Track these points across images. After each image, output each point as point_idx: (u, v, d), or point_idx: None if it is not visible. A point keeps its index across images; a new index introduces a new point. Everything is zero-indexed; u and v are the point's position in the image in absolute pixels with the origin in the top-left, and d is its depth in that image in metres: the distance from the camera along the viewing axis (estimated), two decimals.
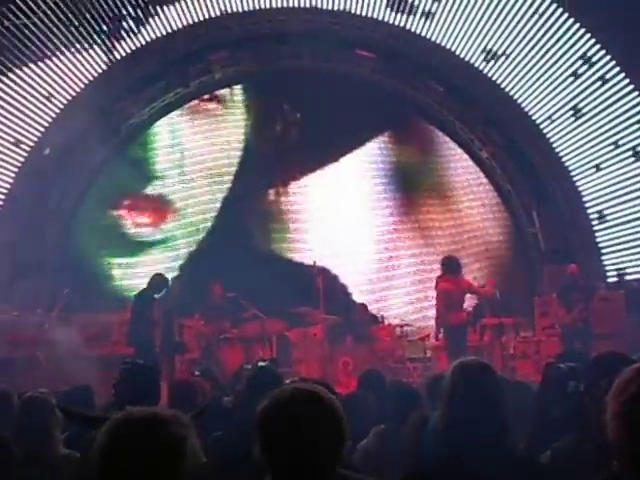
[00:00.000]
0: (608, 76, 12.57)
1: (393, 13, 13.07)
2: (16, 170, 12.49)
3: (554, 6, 12.38)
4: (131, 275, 14.03)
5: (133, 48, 12.87)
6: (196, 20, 13.00)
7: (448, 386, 2.78)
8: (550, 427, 3.36)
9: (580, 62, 12.64)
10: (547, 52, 12.76)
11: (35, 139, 12.61)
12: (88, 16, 12.00)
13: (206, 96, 14.70)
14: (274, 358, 10.39)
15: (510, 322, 11.70)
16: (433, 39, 13.27)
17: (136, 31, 12.63)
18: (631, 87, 12.50)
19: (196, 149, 14.69)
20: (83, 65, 12.60)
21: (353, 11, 13.24)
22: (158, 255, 14.31)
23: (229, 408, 5.01)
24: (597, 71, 12.61)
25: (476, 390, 2.71)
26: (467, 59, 13.34)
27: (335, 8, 13.27)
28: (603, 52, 12.48)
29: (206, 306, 11.98)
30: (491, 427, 2.65)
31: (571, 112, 13.04)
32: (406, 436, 3.71)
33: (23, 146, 12.52)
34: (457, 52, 13.31)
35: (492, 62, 13.17)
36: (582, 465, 2.81)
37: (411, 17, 13.03)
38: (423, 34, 13.26)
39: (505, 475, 2.57)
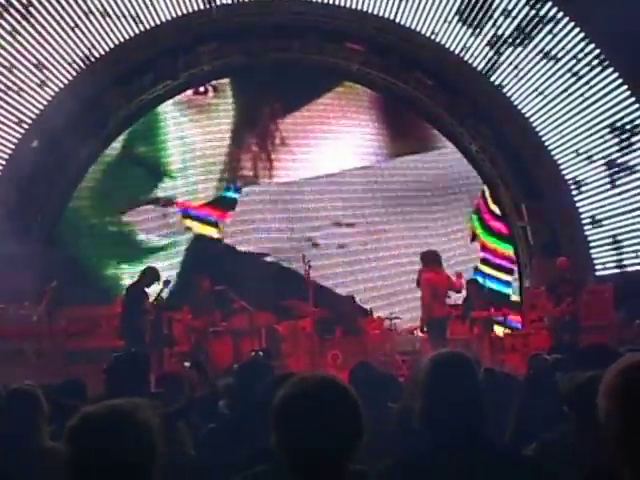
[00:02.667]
0: (598, 71, 12.60)
1: (383, 5, 13.07)
2: (2, 162, 12.42)
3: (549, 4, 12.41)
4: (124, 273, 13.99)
5: (121, 39, 12.80)
6: (185, 12, 12.94)
7: (423, 379, 2.76)
8: (536, 419, 3.36)
9: (571, 57, 12.67)
10: (537, 45, 12.78)
11: (22, 131, 12.53)
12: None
13: (202, 88, 14.65)
14: (266, 349, 10.41)
15: (499, 315, 11.73)
16: (423, 32, 13.26)
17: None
18: (619, 81, 12.53)
19: (191, 143, 14.64)
20: (71, 56, 12.53)
21: (343, 4, 13.21)
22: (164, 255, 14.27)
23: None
24: (586, 65, 12.63)
25: (451, 383, 2.69)
26: (457, 52, 13.34)
27: (325, 1, 13.24)
28: (591, 46, 12.51)
29: (194, 299, 11.97)
30: (468, 420, 2.64)
31: (561, 105, 13.07)
32: (388, 426, 3.69)
33: (10, 138, 12.44)
34: (447, 45, 13.31)
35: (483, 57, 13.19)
36: (568, 457, 2.81)
37: (401, 9, 13.02)
38: (413, 27, 13.24)
39: (484, 469, 2.56)
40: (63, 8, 12.04)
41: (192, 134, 14.64)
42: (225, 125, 14.70)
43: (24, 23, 11.85)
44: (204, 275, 12.02)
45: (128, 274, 13.75)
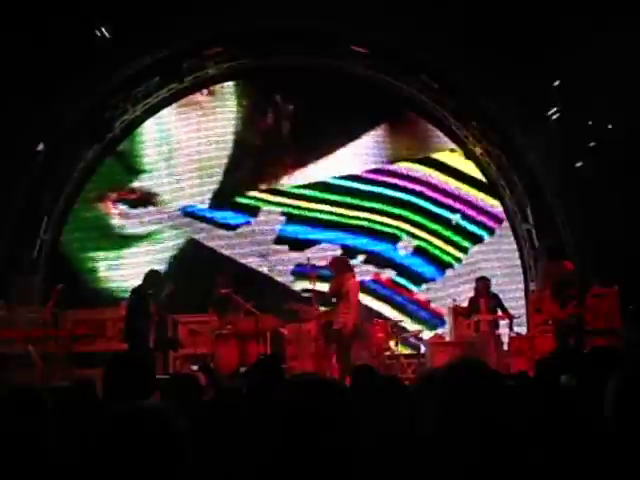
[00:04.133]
0: None
1: (389, 8, 13.06)
2: (9, 166, 12.45)
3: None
4: (118, 272, 14.02)
5: (127, 43, 12.81)
6: (190, 15, 12.95)
7: (438, 389, 2.73)
8: (542, 422, 3.34)
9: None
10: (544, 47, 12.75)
11: (29, 134, 12.56)
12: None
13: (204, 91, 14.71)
14: (276, 354, 10.40)
15: (504, 318, 11.70)
16: (429, 35, 13.25)
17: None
18: None
19: (187, 142, 14.66)
20: (77, 59, 12.55)
21: (349, 7, 13.21)
22: (145, 250, 14.28)
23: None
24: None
25: (470, 390, 2.66)
26: (462, 55, 13.33)
27: (331, 4, 13.24)
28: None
29: (214, 300, 12.00)
30: (488, 427, 2.62)
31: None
32: (393, 431, 3.66)
33: (16, 141, 12.47)
34: (452, 48, 13.29)
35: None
36: (577, 460, 2.80)
37: (407, 12, 13.02)
38: (419, 30, 13.23)
39: (501, 472, 2.55)
40: (70, 12, 12.05)
41: (181, 132, 14.67)
42: (225, 126, 14.71)
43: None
44: (220, 276, 12.08)
45: (111, 272, 13.90)
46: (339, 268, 10.87)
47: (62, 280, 11.96)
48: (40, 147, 12.81)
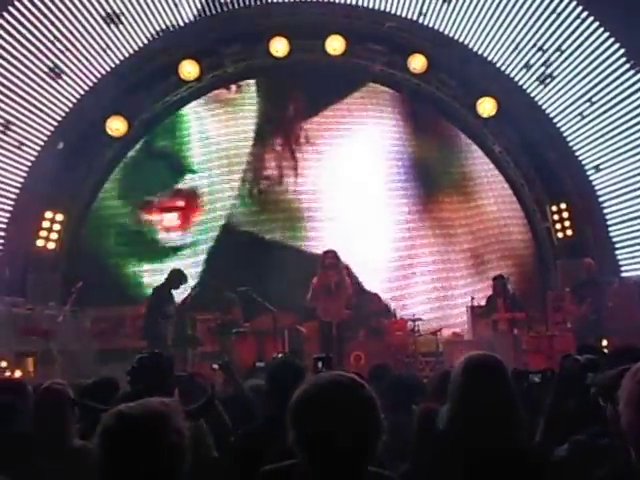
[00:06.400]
0: (621, 70, 12.49)
1: (406, 6, 13.07)
2: (29, 164, 12.54)
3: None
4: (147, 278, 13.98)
5: (145, 42, 12.89)
6: (208, 14, 13.00)
7: (456, 383, 2.72)
8: (566, 420, 3.33)
9: (593, 56, 12.57)
10: (560, 46, 12.69)
11: (49, 133, 12.65)
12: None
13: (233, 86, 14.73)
14: (294, 351, 10.41)
15: (523, 317, 11.61)
16: (446, 33, 13.24)
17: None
18: None
19: (214, 139, 14.66)
20: (96, 59, 12.65)
21: (366, 5, 13.22)
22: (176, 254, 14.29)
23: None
24: (610, 65, 12.53)
25: (485, 386, 2.65)
26: (480, 53, 13.30)
27: (348, 2, 13.26)
28: (617, 46, 12.40)
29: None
30: (502, 424, 2.61)
31: (585, 106, 12.97)
32: (408, 428, 3.65)
33: (36, 140, 12.57)
34: (470, 46, 13.27)
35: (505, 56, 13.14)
36: (600, 459, 2.78)
37: (424, 10, 13.03)
38: (436, 28, 13.23)
39: (516, 471, 2.54)
40: (87, 10, 12.14)
41: (213, 129, 14.65)
42: (248, 123, 14.70)
43: (50, 27, 11.95)
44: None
45: (149, 274, 13.84)
46: (339, 260, 11.02)
47: (82, 278, 12.01)
48: (60, 145, 12.89)
